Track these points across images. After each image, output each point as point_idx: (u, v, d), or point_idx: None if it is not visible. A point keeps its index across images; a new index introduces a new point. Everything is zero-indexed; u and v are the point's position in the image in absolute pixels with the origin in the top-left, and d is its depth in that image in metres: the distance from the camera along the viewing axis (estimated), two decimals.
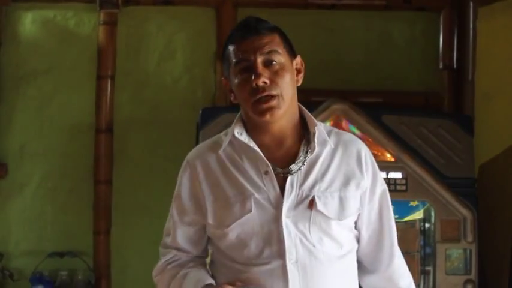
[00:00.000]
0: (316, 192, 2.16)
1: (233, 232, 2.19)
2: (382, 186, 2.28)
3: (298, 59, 2.26)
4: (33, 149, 4.58)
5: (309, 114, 2.26)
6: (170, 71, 4.63)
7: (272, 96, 2.12)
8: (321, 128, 2.21)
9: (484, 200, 4.01)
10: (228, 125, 4.02)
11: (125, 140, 4.59)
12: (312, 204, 2.14)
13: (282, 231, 2.13)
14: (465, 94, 4.41)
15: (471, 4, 4.44)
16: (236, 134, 2.23)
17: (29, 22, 4.60)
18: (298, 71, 2.25)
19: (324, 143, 2.20)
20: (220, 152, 2.26)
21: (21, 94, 4.57)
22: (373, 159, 2.28)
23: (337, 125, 4.07)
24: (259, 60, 2.13)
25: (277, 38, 2.17)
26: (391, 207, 2.31)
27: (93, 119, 4.55)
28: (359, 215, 2.24)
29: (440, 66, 4.52)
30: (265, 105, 2.12)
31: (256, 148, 2.18)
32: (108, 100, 4.56)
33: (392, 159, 3.94)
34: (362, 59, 4.60)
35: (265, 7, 4.61)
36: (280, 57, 2.15)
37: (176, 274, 2.32)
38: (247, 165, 2.20)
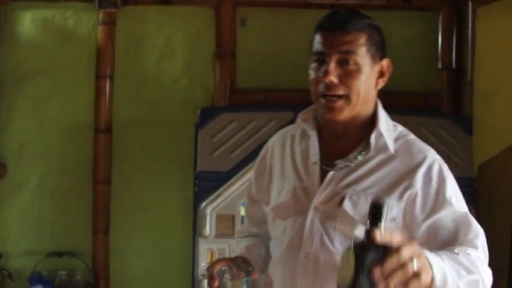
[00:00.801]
0: (350, 191, 2.13)
1: (272, 215, 2.26)
2: (446, 204, 2.10)
3: (385, 61, 2.18)
4: (32, 149, 4.57)
5: (382, 117, 2.19)
6: (169, 71, 4.62)
7: (338, 97, 2.11)
8: (384, 132, 2.16)
9: (482, 200, 4.01)
10: (227, 124, 4.10)
11: (124, 140, 4.59)
12: (341, 202, 2.12)
13: (305, 223, 2.15)
14: (464, 94, 4.40)
15: (470, 4, 4.43)
16: (301, 120, 2.25)
17: (27, 22, 4.59)
18: (382, 74, 2.18)
19: (382, 148, 2.16)
20: (294, 135, 2.30)
21: (20, 94, 4.57)
22: (445, 176, 2.12)
23: None
24: (334, 57, 2.11)
25: (361, 39, 2.12)
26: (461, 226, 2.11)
27: (92, 118, 4.55)
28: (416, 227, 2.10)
29: (439, 66, 4.51)
30: (329, 105, 2.12)
31: (314, 138, 2.20)
32: (107, 100, 4.55)
33: None
34: None
35: (264, 6, 4.62)
36: (358, 59, 2.11)
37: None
38: (301, 152, 2.23)
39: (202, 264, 4.01)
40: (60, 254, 4.46)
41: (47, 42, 4.59)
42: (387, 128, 2.18)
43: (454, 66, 4.49)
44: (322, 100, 2.14)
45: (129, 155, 4.59)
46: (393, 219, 2.08)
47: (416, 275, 1.75)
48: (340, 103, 2.10)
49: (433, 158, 2.14)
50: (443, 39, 4.54)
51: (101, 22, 4.56)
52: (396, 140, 2.18)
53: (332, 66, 2.10)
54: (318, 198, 2.15)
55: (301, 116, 2.27)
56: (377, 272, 1.71)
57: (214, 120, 4.12)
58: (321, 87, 2.13)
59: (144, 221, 4.56)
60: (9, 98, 4.55)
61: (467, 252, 2.02)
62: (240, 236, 2.55)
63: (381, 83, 2.18)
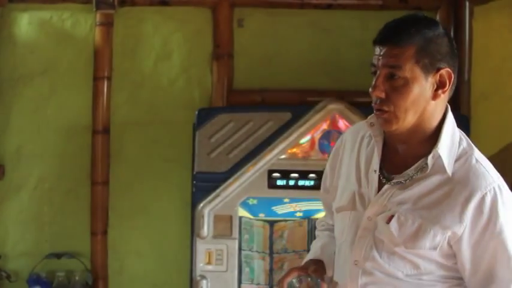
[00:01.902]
0: (399, 210, 2.12)
1: (335, 214, 2.32)
2: (496, 239, 2.07)
3: (444, 71, 2.10)
4: (30, 150, 4.57)
5: (446, 135, 2.13)
6: (167, 72, 4.62)
7: (384, 111, 2.10)
8: (444, 153, 2.11)
9: None
10: (225, 125, 4.11)
11: (122, 140, 4.59)
12: (389, 220, 2.12)
13: (357, 231, 2.19)
14: (461, 94, 4.40)
15: (467, 3, 4.43)
16: (368, 124, 2.22)
17: (25, 23, 4.59)
18: (441, 85, 2.10)
19: (439, 168, 2.11)
20: (363, 136, 2.29)
21: (17, 95, 4.57)
22: (499, 208, 2.06)
23: (333, 125, 4.08)
24: (382, 72, 2.09)
25: (411, 51, 2.07)
26: (506, 264, 2.09)
27: (89, 120, 4.55)
28: (458, 257, 2.10)
29: None
30: (379, 116, 2.12)
31: (379, 145, 2.20)
32: (105, 101, 4.56)
33: None
34: (358, 58, 4.56)
35: (261, 7, 4.62)
36: (406, 73, 2.06)
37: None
38: (366, 157, 2.23)
39: (200, 264, 4.01)
40: (58, 255, 4.46)
41: (44, 44, 4.59)
42: (450, 145, 2.14)
43: None
44: (376, 112, 2.14)
45: (127, 155, 4.59)
46: (434, 248, 2.09)
47: None
48: (386, 116, 2.10)
49: (488, 187, 2.08)
50: None
51: (98, 23, 4.56)
52: (457, 159, 2.13)
53: (379, 81, 2.09)
54: (372, 209, 2.17)
55: (369, 119, 2.22)
56: None
57: (212, 120, 4.12)
58: (373, 100, 2.13)
59: (142, 221, 4.56)
60: (7, 99, 4.55)
61: None
62: (319, 229, 2.60)
63: (441, 94, 2.11)
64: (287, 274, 2.32)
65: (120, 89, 4.60)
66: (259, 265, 4.10)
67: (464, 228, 2.06)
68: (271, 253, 4.11)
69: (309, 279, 2.31)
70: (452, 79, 2.11)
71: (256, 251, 4.10)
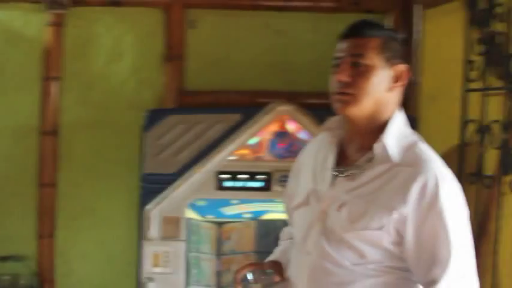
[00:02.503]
0: (349, 198, 2.25)
1: (292, 214, 2.48)
2: (436, 221, 2.16)
3: (403, 67, 2.28)
4: None
5: (393, 126, 2.27)
6: (118, 73, 4.59)
7: (347, 94, 2.23)
8: (389, 142, 2.23)
9: None
10: (174, 126, 4.08)
11: (71, 142, 4.54)
12: (340, 208, 2.25)
13: (311, 223, 2.32)
14: (410, 95, 4.41)
15: (417, 7, 4.45)
16: (325, 128, 2.40)
17: None
18: (397, 79, 2.27)
19: (387, 157, 2.23)
20: (323, 140, 2.43)
21: None
22: (440, 191, 2.16)
23: (282, 126, 4.08)
24: (347, 60, 2.25)
25: (374, 43, 2.24)
26: (446, 244, 2.17)
27: (38, 121, 4.50)
28: (404, 240, 2.19)
29: None
30: (338, 98, 2.25)
31: (333, 145, 2.35)
32: (54, 102, 4.51)
33: None
34: (310, 60, 4.59)
35: (214, 8, 4.61)
36: (368, 61, 2.23)
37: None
38: (322, 157, 2.38)
39: (147, 266, 3.98)
40: (4, 259, 4.41)
41: None
42: (398, 137, 2.26)
43: None
44: (335, 97, 2.27)
45: (76, 157, 4.55)
46: (381, 228, 2.18)
47: None
48: (347, 97, 2.23)
49: (430, 171, 2.18)
50: None
51: (49, 23, 4.51)
52: (404, 149, 2.24)
53: (344, 66, 2.25)
54: (324, 202, 2.30)
55: (326, 124, 2.40)
56: None
57: (161, 122, 4.09)
58: (334, 86, 2.26)
59: (90, 224, 4.53)
60: None
61: None
62: (282, 238, 2.72)
63: (397, 87, 2.27)
64: (243, 267, 2.46)
65: (70, 90, 4.55)
66: (207, 267, 4.08)
67: (408, 210, 2.16)
68: (219, 255, 4.10)
69: (263, 276, 2.42)
70: (408, 77, 2.29)
71: (204, 253, 4.08)
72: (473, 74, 3.82)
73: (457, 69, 3.91)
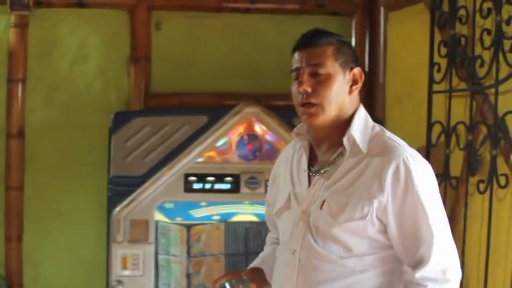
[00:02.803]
0: (328, 194, 2.33)
1: (276, 219, 2.55)
2: (414, 202, 2.25)
3: (357, 70, 2.37)
4: None
5: (357, 120, 2.36)
6: (83, 75, 4.57)
7: (312, 104, 2.31)
8: (356, 134, 2.33)
9: None
10: (141, 129, 4.08)
11: (37, 144, 4.51)
12: (322, 205, 2.33)
13: (294, 224, 2.39)
14: (376, 97, 4.48)
15: (382, 9, 4.51)
16: (294, 134, 2.49)
17: None
18: (354, 82, 2.37)
19: (357, 150, 2.33)
20: (295, 147, 2.53)
21: None
22: (413, 174, 2.25)
23: (249, 128, 4.10)
24: (307, 70, 2.32)
25: (329, 51, 2.33)
26: (426, 223, 2.26)
27: (3, 123, 4.46)
28: (387, 227, 2.28)
29: None
30: (305, 111, 2.33)
31: (305, 148, 2.44)
32: (20, 104, 4.48)
33: None
34: (276, 62, 4.61)
35: (179, 10, 4.61)
36: (327, 69, 2.31)
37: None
38: (297, 162, 2.47)
39: (116, 269, 3.97)
40: None
41: None
42: (363, 129, 2.35)
43: (367, 69, 4.56)
44: (300, 109, 2.35)
45: (42, 160, 4.52)
46: (364, 217, 2.27)
47: None
48: (314, 109, 2.31)
49: (400, 157, 2.27)
50: (356, 43, 4.61)
51: (12, 25, 4.48)
52: (371, 140, 2.34)
53: (305, 77, 2.32)
54: (305, 202, 2.38)
55: (295, 130, 2.48)
56: None
57: (128, 124, 4.08)
58: (298, 98, 2.34)
59: (58, 227, 4.50)
60: None
61: None
62: (266, 244, 2.77)
63: (355, 89, 2.37)
64: (221, 276, 2.55)
65: (36, 92, 4.52)
66: (176, 269, 4.08)
67: (386, 196, 2.25)
68: (188, 257, 4.10)
69: (240, 284, 2.49)
70: (363, 78, 2.39)
71: (173, 255, 4.08)
72: (438, 76, 3.88)
73: (422, 71, 3.97)
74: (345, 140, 2.33)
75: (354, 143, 2.33)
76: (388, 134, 2.38)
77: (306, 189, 2.40)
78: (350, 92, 2.35)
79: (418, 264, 2.26)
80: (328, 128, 2.36)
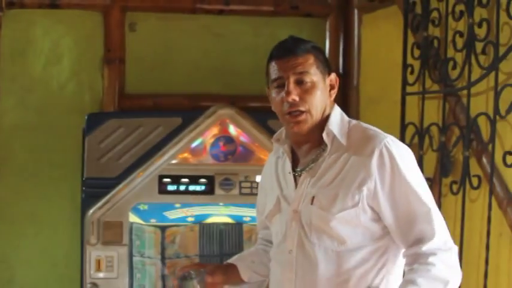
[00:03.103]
0: (316, 190, 2.40)
1: (267, 223, 2.60)
2: (403, 184, 2.33)
3: (333, 76, 2.47)
4: None
5: (333, 117, 2.44)
6: (56, 76, 4.54)
7: (301, 112, 2.39)
8: (334, 129, 2.41)
9: None
10: (115, 130, 4.07)
11: (10, 146, 4.48)
12: (312, 201, 2.39)
13: (286, 224, 2.46)
14: (350, 98, 4.50)
15: (356, 11, 4.53)
16: (274, 140, 2.56)
17: None
18: (332, 87, 2.46)
19: (337, 145, 2.42)
20: (279, 152, 2.60)
21: None
22: (396, 158, 2.34)
23: (223, 130, 4.10)
24: (292, 79, 2.39)
25: (311, 59, 2.41)
26: (419, 201, 2.33)
27: None
28: (380, 213, 2.35)
29: None
30: (294, 120, 2.40)
31: (286, 151, 2.52)
32: None
33: None
34: (250, 64, 4.62)
35: (153, 11, 4.60)
36: (312, 77, 2.39)
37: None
38: (282, 166, 2.56)
39: (91, 272, 3.96)
40: None
41: None
42: (340, 124, 2.44)
43: (341, 71, 4.58)
44: (287, 117, 2.41)
45: (15, 161, 4.48)
46: (356, 205, 2.34)
47: None
48: (303, 117, 2.39)
49: (381, 143, 2.35)
50: (330, 45, 4.63)
51: None
52: (349, 132, 2.43)
53: (292, 86, 2.38)
54: (294, 202, 2.45)
55: (274, 137, 2.56)
56: None
57: (102, 126, 4.07)
58: (285, 107, 2.40)
59: (32, 229, 4.47)
60: None
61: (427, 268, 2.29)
62: (255, 245, 2.84)
63: (333, 94, 2.46)
64: (184, 266, 2.65)
65: (8, 93, 4.49)
66: (151, 271, 4.08)
67: (374, 182, 2.33)
68: (163, 258, 4.10)
69: (197, 276, 2.54)
70: (338, 83, 2.49)
71: (148, 257, 4.08)
72: (412, 78, 3.91)
73: (395, 73, 4.00)
74: (324, 136, 2.41)
75: (333, 137, 2.41)
76: (365, 125, 2.47)
77: (293, 190, 2.47)
78: (329, 96, 2.45)
79: (420, 240, 2.32)
80: (310, 132, 2.43)
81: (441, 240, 2.32)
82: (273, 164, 2.61)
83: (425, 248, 2.30)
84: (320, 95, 2.40)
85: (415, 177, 2.36)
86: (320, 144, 2.44)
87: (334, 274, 2.37)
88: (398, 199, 2.33)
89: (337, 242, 2.36)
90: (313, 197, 2.39)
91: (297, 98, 2.37)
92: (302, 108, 2.39)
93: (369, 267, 2.37)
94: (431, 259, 2.29)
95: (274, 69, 2.42)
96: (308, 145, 2.47)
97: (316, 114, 2.41)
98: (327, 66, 2.46)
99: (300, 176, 2.46)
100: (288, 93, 2.37)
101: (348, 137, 2.42)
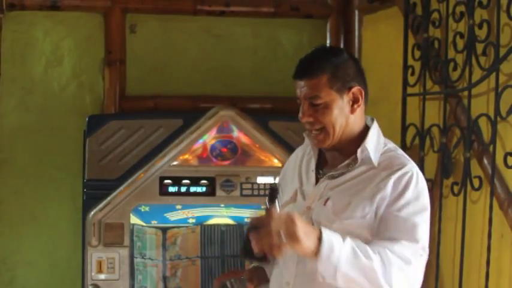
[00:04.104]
0: (333, 193, 2.48)
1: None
2: (406, 211, 2.39)
3: (355, 89, 2.50)
4: None
5: (371, 136, 2.52)
6: (57, 78, 4.55)
7: (317, 130, 2.50)
8: (370, 148, 2.48)
9: None
10: (116, 132, 4.07)
11: (11, 147, 4.48)
12: (325, 202, 2.48)
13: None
14: None
15: (356, 12, 4.53)
16: (306, 133, 2.62)
17: None
18: (355, 101, 2.51)
19: (367, 161, 2.49)
20: (304, 152, 2.70)
21: None
22: (411, 185, 2.41)
23: (224, 131, 4.10)
24: (305, 102, 2.49)
25: (323, 80, 2.46)
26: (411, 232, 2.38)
27: None
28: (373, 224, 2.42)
29: None
30: (314, 139, 2.54)
31: (315, 151, 2.61)
32: None
33: (280, 165, 3.98)
34: (251, 65, 4.64)
35: (154, 13, 4.61)
36: (323, 99, 2.46)
37: None
38: (306, 161, 2.65)
39: (92, 273, 3.96)
40: None
41: None
42: (376, 144, 2.52)
43: None
44: (309, 133, 2.56)
45: (17, 163, 4.49)
46: (364, 217, 2.41)
47: (290, 240, 2.21)
48: (321, 136, 2.50)
49: (408, 169, 2.45)
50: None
51: None
52: (382, 154, 2.51)
53: (305, 108, 2.49)
54: (309, 199, 2.54)
55: (307, 132, 2.61)
56: (252, 237, 2.26)
57: (103, 127, 4.08)
58: (305, 125, 2.54)
59: (33, 230, 4.47)
60: None
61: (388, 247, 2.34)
62: None
63: (357, 107, 2.52)
64: (223, 275, 2.86)
65: (9, 95, 4.50)
66: (152, 272, 4.08)
67: (383, 196, 2.40)
68: (164, 260, 4.10)
69: (238, 283, 2.66)
70: (363, 94, 2.53)
71: (149, 258, 4.08)
72: (412, 79, 3.91)
73: (396, 74, 4.00)
74: (358, 151, 2.48)
75: (366, 155, 2.48)
76: (400, 151, 2.56)
77: (312, 187, 2.55)
78: (352, 111, 2.51)
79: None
80: (337, 144, 2.52)
81: (406, 251, 2.35)
82: (299, 157, 2.71)
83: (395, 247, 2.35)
84: (336, 114, 2.47)
85: (418, 209, 2.40)
86: (351, 154, 2.51)
87: None
88: (392, 220, 2.39)
89: None
90: (328, 199, 2.47)
91: (310, 119, 2.49)
92: (317, 127, 2.49)
93: None
94: (395, 248, 2.33)
95: (295, 87, 2.53)
96: (338, 152, 2.55)
97: (334, 132, 2.49)
98: (351, 80, 2.50)
99: (321, 177, 2.55)
100: (302, 114, 2.50)
101: (380, 159, 2.49)
